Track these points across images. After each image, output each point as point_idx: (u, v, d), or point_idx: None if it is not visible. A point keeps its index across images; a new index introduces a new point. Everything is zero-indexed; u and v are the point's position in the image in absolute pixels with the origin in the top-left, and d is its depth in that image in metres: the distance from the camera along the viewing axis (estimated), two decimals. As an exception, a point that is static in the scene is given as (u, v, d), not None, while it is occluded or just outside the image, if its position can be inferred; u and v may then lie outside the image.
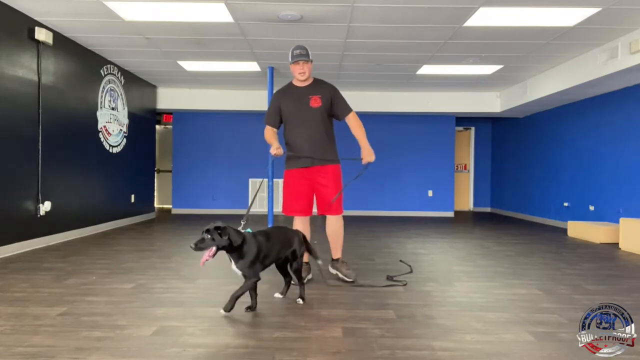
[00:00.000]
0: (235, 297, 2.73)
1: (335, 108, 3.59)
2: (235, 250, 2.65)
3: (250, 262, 2.69)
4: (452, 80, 7.88)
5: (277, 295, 3.13)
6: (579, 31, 5.17)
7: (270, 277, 3.67)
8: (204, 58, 6.58)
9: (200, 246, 2.56)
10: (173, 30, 5.36)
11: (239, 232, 2.69)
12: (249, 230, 2.81)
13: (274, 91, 3.71)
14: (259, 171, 9.46)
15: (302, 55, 3.42)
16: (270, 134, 3.60)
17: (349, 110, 3.63)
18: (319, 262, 3.19)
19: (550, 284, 3.62)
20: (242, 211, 9.52)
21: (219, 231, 2.57)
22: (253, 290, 2.82)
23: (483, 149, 11.05)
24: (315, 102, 3.50)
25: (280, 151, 3.40)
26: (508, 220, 9.04)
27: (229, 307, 2.73)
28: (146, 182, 8.39)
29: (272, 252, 2.84)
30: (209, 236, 2.56)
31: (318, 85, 3.59)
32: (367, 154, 3.48)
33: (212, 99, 8.94)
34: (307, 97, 3.51)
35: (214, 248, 2.58)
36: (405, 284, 3.52)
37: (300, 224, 3.54)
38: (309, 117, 3.50)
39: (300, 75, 3.48)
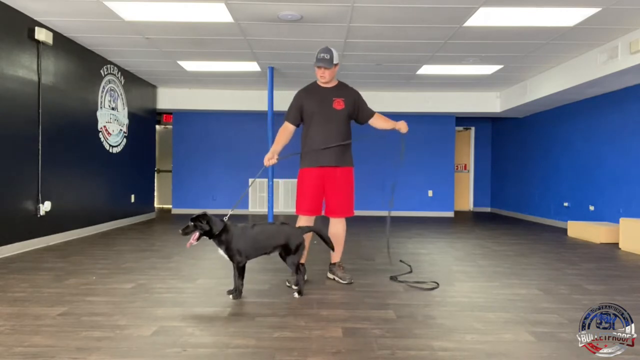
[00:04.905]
0: (235, 282, 3.09)
1: (359, 113, 3.63)
2: (216, 236, 3.02)
3: (227, 248, 3.04)
4: (452, 80, 7.88)
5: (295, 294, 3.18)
6: (579, 31, 5.17)
7: (269, 277, 3.68)
8: (204, 58, 6.58)
9: (186, 231, 2.99)
10: (173, 30, 5.36)
11: (221, 221, 3.04)
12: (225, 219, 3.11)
13: (298, 90, 3.64)
14: (259, 171, 9.45)
15: (324, 60, 3.42)
16: (283, 134, 3.54)
17: (372, 112, 3.67)
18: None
19: (550, 284, 3.62)
20: (242, 211, 9.55)
21: (201, 219, 2.98)
22: (239, 276, 3.08)
23: (483, 149, 11.05)
24: (339, 104, 3.51)
25: (274, 162, 3.41)
26: (508, 220, 9.04)
27: (234, 293, 3.08)
28: (146, 182, 8.38)
29: (256, 243, 3.09)
30: (192, 223, 2.97)
31: (342, 88, 3.60)
32: (402, 125, 3.58)
33: (212, 99, 8.94)
34: (330, 98, 3.52)
35: (197, 233, 2.99)
36: (437, 286, 3.50)
37: (304, 223, 3.52)
38: (331, 117, 3.50)
39: (321, 79, 3.52)
